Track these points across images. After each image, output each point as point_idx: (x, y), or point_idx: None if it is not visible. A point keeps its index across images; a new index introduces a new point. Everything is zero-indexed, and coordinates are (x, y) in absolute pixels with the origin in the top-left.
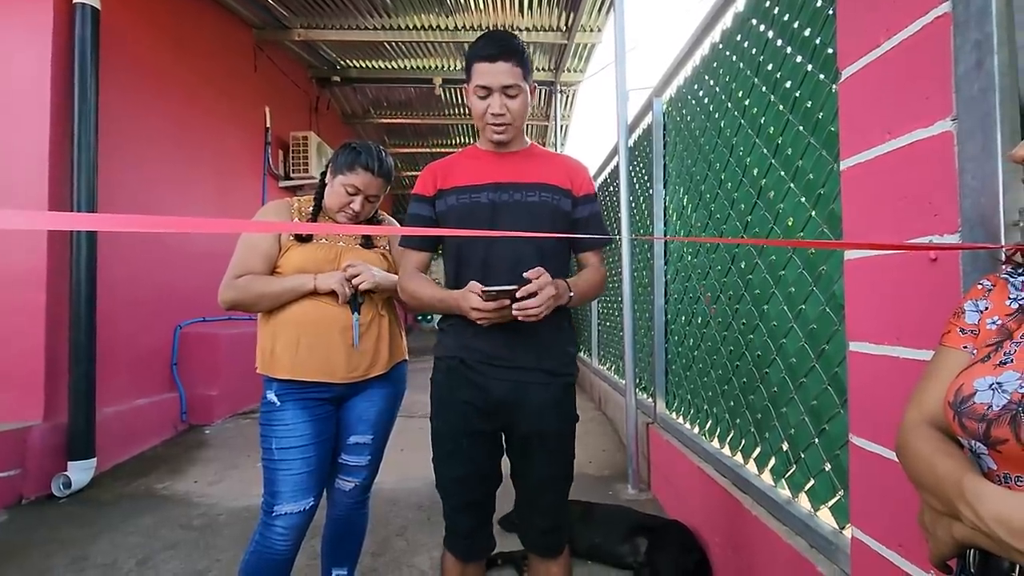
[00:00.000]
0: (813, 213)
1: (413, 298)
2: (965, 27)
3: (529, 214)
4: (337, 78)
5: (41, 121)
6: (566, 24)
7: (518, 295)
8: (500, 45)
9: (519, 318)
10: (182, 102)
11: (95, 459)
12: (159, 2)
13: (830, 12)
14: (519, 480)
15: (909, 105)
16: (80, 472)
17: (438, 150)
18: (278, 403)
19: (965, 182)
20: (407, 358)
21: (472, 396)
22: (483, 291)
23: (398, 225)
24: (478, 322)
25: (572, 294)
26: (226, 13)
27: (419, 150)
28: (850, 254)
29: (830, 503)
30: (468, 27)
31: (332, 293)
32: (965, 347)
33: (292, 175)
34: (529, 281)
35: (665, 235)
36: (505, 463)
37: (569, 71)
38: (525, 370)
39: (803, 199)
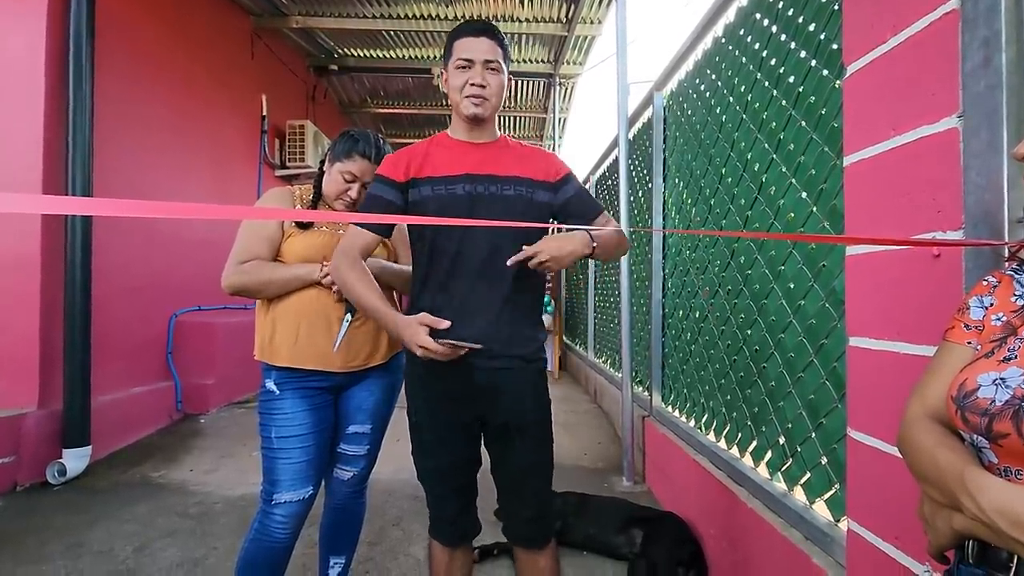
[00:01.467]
0: (814, 208)
1: (344, 286)
2: (974, 24)
3: (506, 207)
4: (335, 67)
5: (35, 105)
6: (566, 16)
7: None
8: (484, 25)
9: (537, 268)
10: (179, 89)
11: (90, 447)
12: None
13: (835, 7)
14: (500, 470)
15: (915, 101)
16: (75, 460)
17: None
18: (277, 392)
19: (970, 179)
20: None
21: (448, 386)
22: (444, 341)
23: None
24: (420, 356)
25: (595, 244)
26: (224, 0)
27: (416, 140)
28: (852, 249)
29: (826, 496)
30: (466, 17)
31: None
32: (969, 343)
33: (288, 164)
34: (482, 347)
35: (664, 229)
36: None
37: (568, 63)
38: (500, 357)
39: (804, 194)
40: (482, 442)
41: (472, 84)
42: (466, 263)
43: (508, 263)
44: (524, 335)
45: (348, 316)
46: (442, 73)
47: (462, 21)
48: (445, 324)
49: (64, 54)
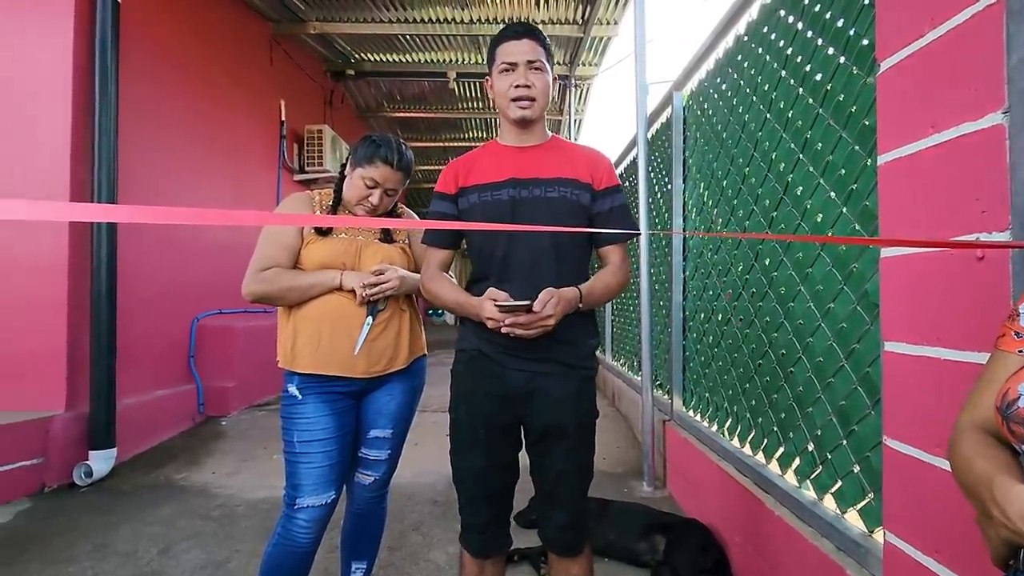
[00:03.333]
0: (844, 209)
1: (435, 298)
2: (1020, 15)
3: (548, 210)
4: (351, 71)
5: (63, 112)
6: (582, 17)
7: (534, 308)
8: (525, 26)
9: (520, 335)
10: (200, 95)
11: (115, 449)
12: None
13: (866, 2)
14: (537, 475)
15: (956, 97)
16: (101, 462)
17: (451, 144)
18: (299, 396)
19: (1017, 177)
20: (426, 352)
21: (492, 387)
22: (497, 304)
23: (417, 219)
24: (492, 329)
25: (582, 304)
26: (243, 7)
27: (432, 144)
28: (886, 251)
29: (859, 505)
30: (483, 20)
31: (354, 290)
32: (1020, 351)
33: (307, 168)
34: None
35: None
36: (524, 458)
37: (584, 65)
38: (543, 362)
39: (833, 195)
40: (522, 448)
41: (517, 86)
42: (512, 267)
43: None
44: (569, 341)
45: (369, 319)
46: (487, 79)
47: (479, 23)
48: (503, 295)
49: (90, 65)
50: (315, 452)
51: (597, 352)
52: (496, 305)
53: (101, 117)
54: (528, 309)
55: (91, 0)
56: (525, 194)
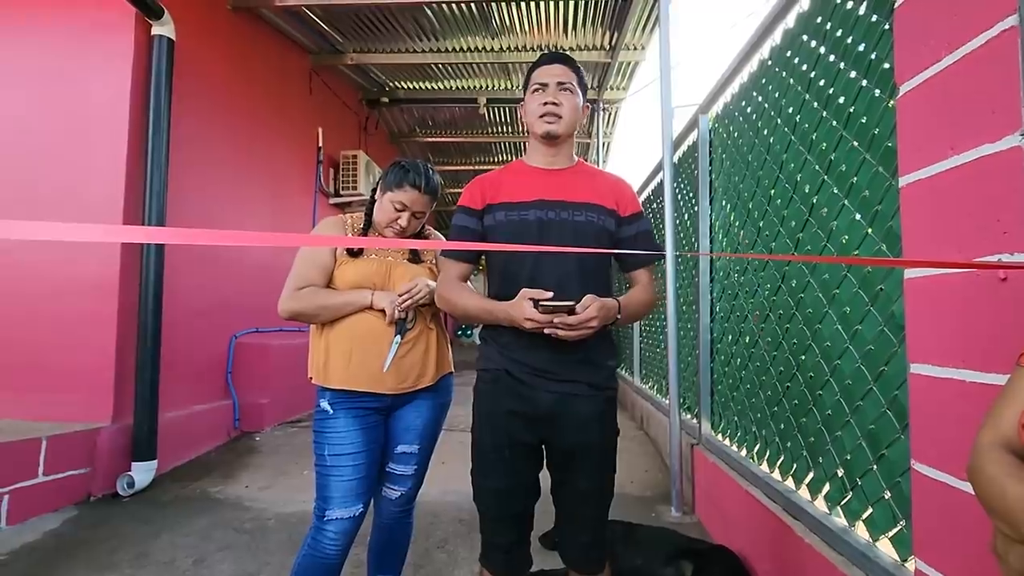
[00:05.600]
0: (870, 231)
1: (455, 307)
2: None
3: (575, 233)
4: (385, 99)
5: (119, 142)
6: (610, 43)
7: (577, 310)
8: (559, 54)
9: (563, 337)
10: (244, 124)
11: (156, 461)
12: (227, 32)
13: (886, 27)
14: (560, 494)
15: (974, 120)
16: (143, 473)
17: (481, 167)
18: (331, 411)
19: None
20: (453, 371)
21: (516, 407)
22: (540, 305)
23: (444, 239)
24: (528, 330)
25: (620, 315)
26: (286, 40)
27: (463, 167)
28: (911, 273)
29: (890, 533)
30: (513, 48)
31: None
32: None
33: (341, 192)
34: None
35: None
36: (545, 477)
37: (612, 89)
38: (570, 383)
39: (858, 216)
40: (543, 468)
41: (545, 103)
42: (538, 289)
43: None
44: (593, 362)
45: (398, 338)
46: (521, 104)
47: (508, 50)
48: (547, 295)
49: (146, 95)
50: (345, 465)
51: (624, 373)
52: (539, 305)
53: (154, 147)
54: (571, 310)
55: (148, 39)
56: (552, 216)
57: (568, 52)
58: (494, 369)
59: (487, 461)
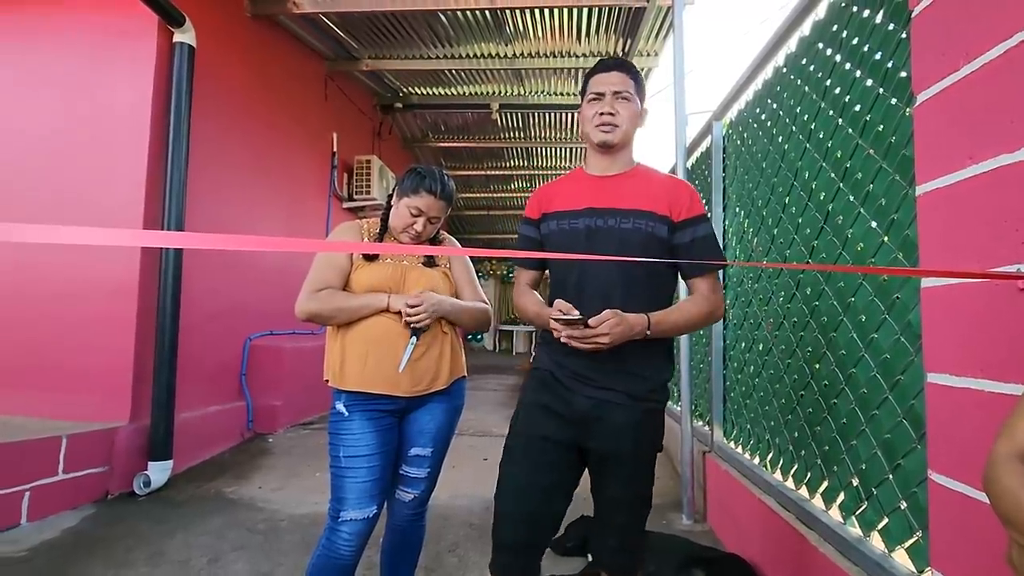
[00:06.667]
0: (886, 239)
1: (522, 312)
2: None
3: (620, 241)
4: (399, 104)
5: (140, 148)
6: (623, 50)
7: (590, 323)
8: (617, 60)
9: (577, 348)
10: (261, 130)
11: (172, 461)
12: (246, 39)
13: (903, 36)
14: (596, 497)
15: (992, 129)
16: (159, 472)
17: (493, 172)
18: (346, 413)
19: None
20: (466, 375)
21: (554, 403)
22: (559, 311)
23: (458, 245)
24: (556, 337)
25: (649, 331)
26: (303, 47)
27: (474, 172)
28: (927, 281)
29: (907, 544)
30: (525, 54)
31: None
32: None
33: (355, 196)
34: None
35: (724, 260)
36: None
37: None
38: (608, 390)
39: (874, 224)
40: (573, 482)
41: (601, 114)
42: (585, 297)
43: (555, 318)
44: (632, 372)
45: (413, 339)
46: (579, 111)
47: (521, 57)
48: (568, 307)
49: (167, 102)
50: (359, 467)
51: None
52: (559, 311)
53: (174, 152)
54: (585, 324)
55: (170, 46)
56: (600, 223)
57: (581, 59)
58: (543, 369)
59: (514, 447)
